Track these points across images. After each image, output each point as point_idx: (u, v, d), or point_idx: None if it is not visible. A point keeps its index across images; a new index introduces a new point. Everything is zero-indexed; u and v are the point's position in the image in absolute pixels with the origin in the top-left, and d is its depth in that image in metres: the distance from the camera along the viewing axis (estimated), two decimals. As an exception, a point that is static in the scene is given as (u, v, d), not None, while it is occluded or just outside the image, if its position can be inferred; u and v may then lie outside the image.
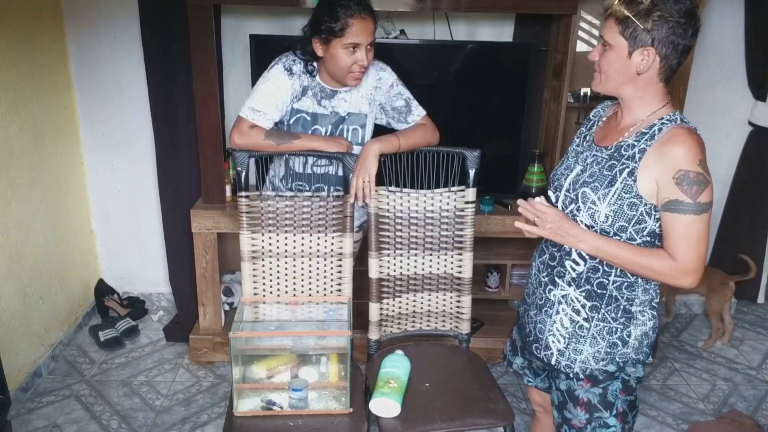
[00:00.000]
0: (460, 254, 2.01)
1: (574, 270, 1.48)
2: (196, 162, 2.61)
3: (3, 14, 2.35)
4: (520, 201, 1.48)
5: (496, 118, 2.76)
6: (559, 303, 1.51)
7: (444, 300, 2.06)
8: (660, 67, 1.35)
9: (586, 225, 1.42)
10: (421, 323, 2.09)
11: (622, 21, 1.33)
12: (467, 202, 1.97)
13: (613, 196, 1.37)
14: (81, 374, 2.69)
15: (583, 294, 1.48)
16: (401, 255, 1.99)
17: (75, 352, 2.84)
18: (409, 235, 1.99)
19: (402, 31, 2.71)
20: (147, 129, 2.83)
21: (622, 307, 1.46)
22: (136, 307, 3.14)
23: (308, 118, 2.00)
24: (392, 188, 1.95)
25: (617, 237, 1.40)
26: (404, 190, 1.96)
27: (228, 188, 2.62)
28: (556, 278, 1.52)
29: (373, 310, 1.99)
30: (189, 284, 2.77)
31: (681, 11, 1.29)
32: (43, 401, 2.50)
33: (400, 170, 1.98)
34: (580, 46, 2.77)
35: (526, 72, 2.66)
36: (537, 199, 1.46)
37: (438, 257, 2.02)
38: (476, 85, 2.73)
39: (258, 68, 2.52)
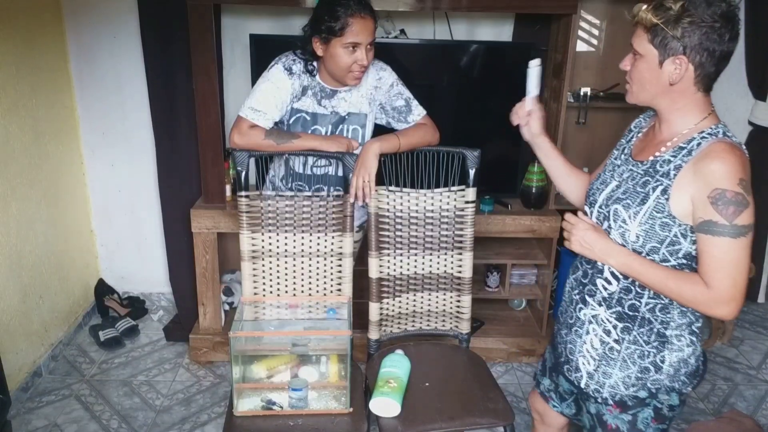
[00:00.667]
0: (460, 254, 2.01)
1: (605, 289, 1.41)
2: (196, 162, 2.61)
3: (3, 14, 2.35)
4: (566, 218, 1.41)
5: (496, 117, 2.73)
6: (590, 323, 1.44)
7: (444, 300, 2.06)
8: (695, 76, 1.25)
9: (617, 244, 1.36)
10: (421, 323, 2.09)
11: (650, 29, 1.24)
12: (467, 202, 1.97)
13: (644, 215, 1.30)
14: (81, 374, 2.69)
15: (614, 315, 1.40)
16: (401, 255, 1.99)
17: (75, 352, 2.84)
18: (409, 235, 1.99)
19: (402, 31, 2.71)
20: (147, 128, 2.83)
21: (656, 330, 1.38)
22: (136, 306, 3.14)
23: (308, 118, 2.00)
24: (392, 188, 1.95)
25: (649, 258, 1.32)
26: (404, 189, 1.96)
27: (228, 188, 2.62)
28: (587, 297, 1.45)
29: (373, 309, 1.99)
30: (189, 284, 2.77)
31: (715, 15, 1.20)
32: (43, 401, 2.50)
33: (400, 170, 1.98)
34: (580, 46, 2.77)
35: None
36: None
37: (438, 257, 2.02)
38: (476, 85, 2.73)
39: (258, 68, 2.52)
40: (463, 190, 1.96)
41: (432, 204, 1.98)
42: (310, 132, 2.00)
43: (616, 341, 1.40)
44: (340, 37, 1.83)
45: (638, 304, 1.37)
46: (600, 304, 1.42)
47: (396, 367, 1.83)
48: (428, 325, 2.09)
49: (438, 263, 2.02)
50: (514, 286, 2.92)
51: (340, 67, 1.89)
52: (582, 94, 2.73)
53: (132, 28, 2.71)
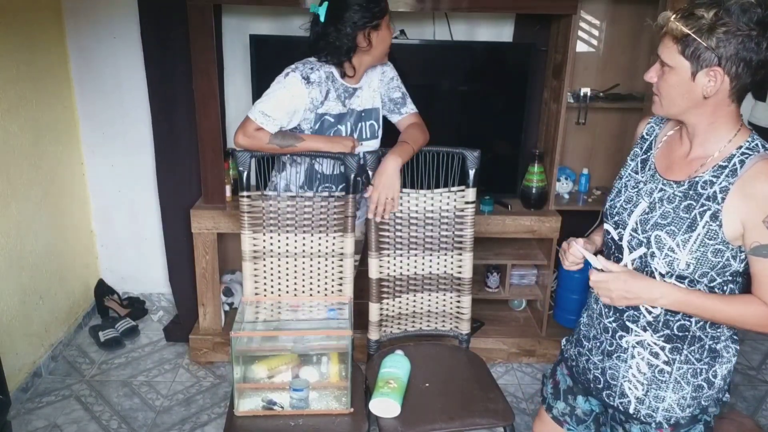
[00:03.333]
0: (460, 254, 2.01)
1: (650, 313, 1.33)
2: (196, 162, 2.61)
3: (3, 14, 2.35)
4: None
5: (496, 118, 2.76)
6: (634, 348, 1.37)
7: (444, 300, 2.06)
8: (731, 88, 1.17)
9: (661, 273, 1.28)
10: (421, 323, 2.09)
11: (680, 39, 1.16)
12: (467, 202, 1.97)
13: (695, 242, 1.22)
14: (81, 374, 2.69)
15: (662, 338, 1.33)
16: (401, 255, 1.99)
17: (75, 352, 2.84)
18: (409, 235, 1.99)
19: (402, 31, 2.71)
20: (147, 129, 2.83)
21: (707, 346, 1.32)
22: (136, 307, 3.14)
23: (332, 120, 2.00)
24: (392, 188, 1.96)
25: (698, 282, 1.26)
26: (404, 190, 1.96)
27: (228, 188, 2.62)
28: (628, 323, 1.36)
29: (373, 310, 1.99)
30: (189, 284, 2.77)
31: (751, 22, 1.11)
32: (43, 401, 2.50)
33: (400, 170, 1.98)
34: (580, 46, 2.78)
35: (526, 72, 2.66)
36: (578, 244, 1.34)
37: (438, 257, 2.02)
38: (476, 86, 2.73)
39: (258, 68, 2.53)
40: (462, 190, 1.97)
41: (432, 204, 1.98)
42: (332, 132, 2.00)
43: (665, 362, 1.34)
44: (386, 15, 1.89)
45: (688, 323, 1.31)
46: (645, 329, 1.35)
47: (396, 367, 1.83)
48: (428, 326, 2.09)
49: (438, 264, 2.02)
50: (514, 287, 2.93)
51: (387, 44, 1.95)
52: (582, 94, 2.73)
53: (132, 28, 2.71)
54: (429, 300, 2.06)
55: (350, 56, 1.92)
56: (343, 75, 1.97)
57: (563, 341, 1.62)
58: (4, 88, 2.38)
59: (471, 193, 1.96)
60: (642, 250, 1.30)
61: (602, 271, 1.29)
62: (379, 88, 2.06)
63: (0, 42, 2.34)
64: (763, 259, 1.19)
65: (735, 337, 1.36)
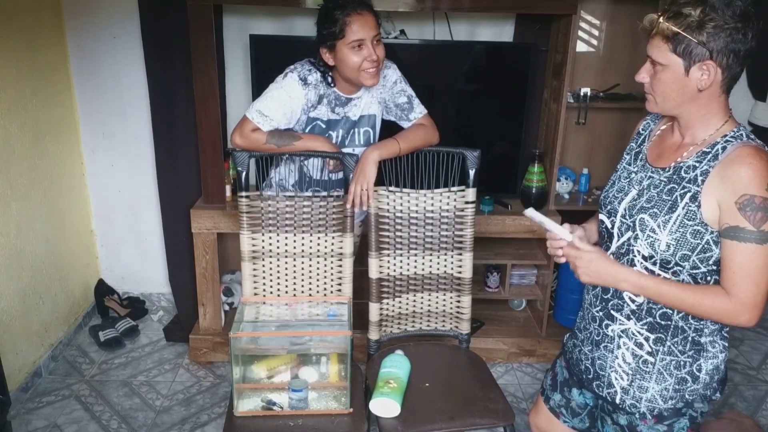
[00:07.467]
0: (460, 254, 2.01)
1: (633, 302, 1.36)
2: (196, 162, 2.61)
3: (3, 14, 2.35)
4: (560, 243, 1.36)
5: (496, 118, 2.76)
6: (619, 337, 1.40)
7: (444, 300, 2.06)
8: (723, 79, 1.22)
9: (644, 255, 1.31)
10: (421, 323, 2.09)
11: (671, 38, 1.21)
12: (467, 202, 1.97)
13: (674, 223, 1.25)
14: (81, 374, 2.69)
15: (645, 327, 1.36)
16: (401, 255, 1.99)
17: (75, 352, 2.84)
18: (409, 235, 1.99)
19: (402, 31, 2.71)
20: (147, 129, 2.83)
21: (690, 338, 1.34)
22: (136, 307, 3.14)
23: (323, 126, 2.00)
24: (392, 188, 1.95)
25: (679, 266, 1.28)
26: (404, 190, 1.96)
27: (228, 188, 2.62)
28: (613, 312, 1.40)
29: (373, 310, 1.99)
30: (189, 284, 2.77)
31: (735, 15, 1.17)
32: (43, 401, 2.50)
33: (400, 170, 1.97)
34: (580, 46, 2.78)
35: (526, 72, 2.66)
36: (564, 228, 1.35)
37: (438, 257, 2.02)
38: (476, 85, 2.73)
39: (258, 68, 2.53)
40: (463, 190, 1.96)
41: (432, 204, 1.98)
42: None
43: (649, 353, 1.37)
44: (342, 39, 1.83)
45: (670, 312, 1.33)
46: (629, 318, 1.38)
47: (396, 367, 1.83)
48: (428, 326, 2.09)
49: (438, 263, 2.02)
50: (514, 287, 2.93)
51: (352, 68, 1.87)
52: (582, 94, 2.73)
53: (132, 28, 2.71)
54: (429, 300, 2.06)
55: (329, 67, 1.93)
56: (333, 83, 1.96)
57: (566, 336, 1.64)
58: (4, 88, 2.38)
59: (471, 193, 1.96)
60: (629, 234, 1.34)
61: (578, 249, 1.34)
62: (381, 94, 2.05)
63: (0, 42, 2.34)
64: (730, 241, 1.21)
65: (725, 333, 1.37)
